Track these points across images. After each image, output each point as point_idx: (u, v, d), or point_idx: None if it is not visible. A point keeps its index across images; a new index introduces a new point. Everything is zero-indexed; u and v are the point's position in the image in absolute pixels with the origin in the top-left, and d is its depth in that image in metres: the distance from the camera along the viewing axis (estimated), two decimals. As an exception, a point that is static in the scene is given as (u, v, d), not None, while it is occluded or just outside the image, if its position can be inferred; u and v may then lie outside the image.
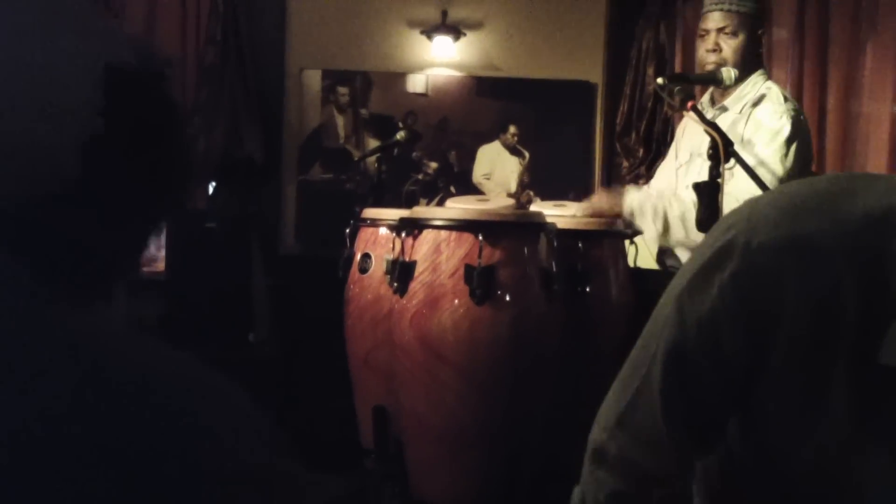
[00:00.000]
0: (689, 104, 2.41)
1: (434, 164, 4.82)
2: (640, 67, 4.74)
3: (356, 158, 4.68)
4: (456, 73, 4.81)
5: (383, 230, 2.60)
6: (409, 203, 4.35)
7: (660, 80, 2.56)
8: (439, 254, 2.32)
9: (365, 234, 2.68)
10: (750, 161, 2.39)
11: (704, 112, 2.70)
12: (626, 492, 1.05)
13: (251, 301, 3.82)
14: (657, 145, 4.67)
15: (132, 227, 0.72)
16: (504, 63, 4.83)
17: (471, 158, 4.83)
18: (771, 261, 0.91)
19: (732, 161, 2.29)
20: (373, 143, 4.63)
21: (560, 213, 2.72)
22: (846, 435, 0.92)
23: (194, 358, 0.63)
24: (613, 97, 4.83)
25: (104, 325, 0.63)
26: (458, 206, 2.66)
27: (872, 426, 0.91)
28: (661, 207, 2.66)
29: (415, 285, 2.32)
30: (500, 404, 2.30)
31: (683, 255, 2.81)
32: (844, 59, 4.34)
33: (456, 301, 2.27)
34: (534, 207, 3.07)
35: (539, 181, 4.73)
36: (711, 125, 2.31)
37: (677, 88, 2.47)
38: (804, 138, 2.66)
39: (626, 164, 4.75)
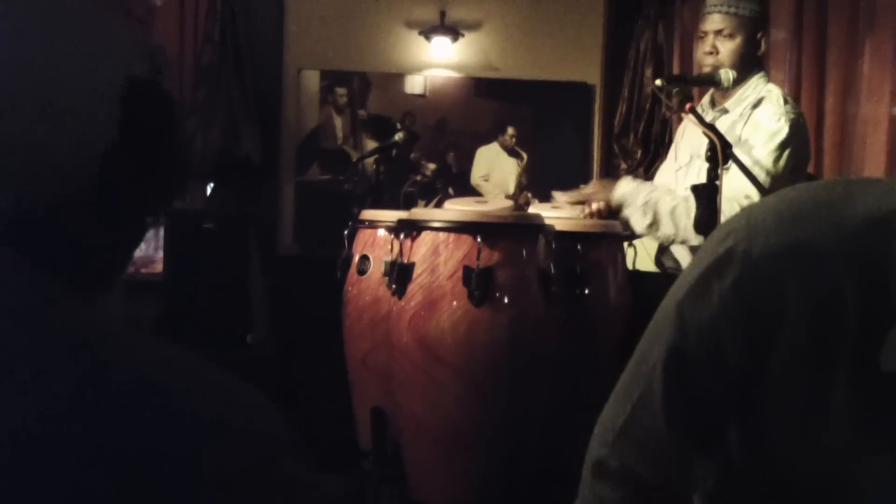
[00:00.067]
0: (688, 106, 2.41)
1: (432, 166, 4.82)
2: (638, 68, 4.75)
3: (354, 159, 4.68)
4: (454, 74, 4.81)
5: (382, 232, 2.60)
6: (408, 204, 4.35)
7: (658, 82, 2.56)
8: (438, 255, 2.32)
9: (363, 235, 2.68)
10: (745, 161, 2.39)
11: (704, 114, 2.70)
12: None
13: (249, 302, 3.82)
14: (655, 147, 4.68)
15: (130, 224, 0.72)
16: (502, 64, 4.83)
17: (469, 160, 4.84)
18: (772, 267, 0.91)
19: (730, 161, 2.29)
20: (371, 144, 4.63)
21: (556, 215, 2.72)
22: (847, 440, 0.92)
23: (196, 356, 0.63)
24: (611, 98, 4.84)
25: (105, 323, 0.63)
26: (457, 208, 2.66)
27: (874, 431, 0.91)
28: (653, 200, 2.66)
29: (413, 287, 2.32)
30: (499, 406, 2.30)
31: (682, 256, 2.81)
32: (842, 60, 4.34)
33: (454, 303, 2.27)
34: (532, 209, 3.07)
35: (537, 182, 4.73)
36: (710, 127, 2.31)
37: (675, 90, 2.46)
38: (801, 141, 2.66)
39: (624, 165, 4.76)
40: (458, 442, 2.31)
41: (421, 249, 2.35)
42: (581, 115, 4.86)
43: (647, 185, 2.78)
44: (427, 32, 4.72)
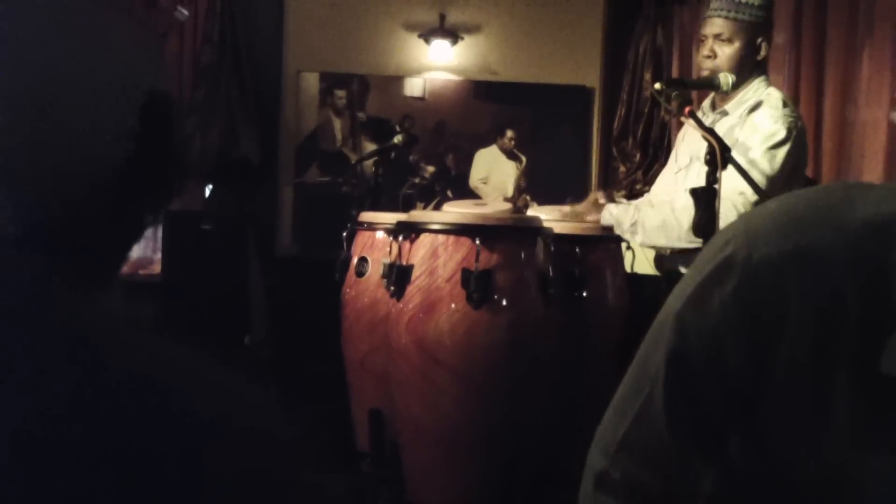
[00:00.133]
0: (687, 109, 2.41)
1: (431, 168, 4.82)
2: (637, 71, 4.75)
3: (353, 161, 4.68)
4: (453, 77, 4.81)
5: (380, 234, 2.61)
6: (406, 206, 4.35)
7: (657, 85, 2.56)
8: (436, 258, 2.32)
9: (362, 237, 2.68)
10: (742, 162, 2.40)
11: (705, 117, 2.71)
12: None
13: (247, 303, 3.82)
14: (654, 150, 4.69)
15: (129, 222, 0.73)
16: (501, 67, 4.84)
17: (468, 162, 4.84)
18: (773, 274, 0.91)
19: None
20: (370, 146, 4.63)
21: (555, 218, 2.72)
22: (849, 444, 0.92)
23: (196, 356, 0.63)
24: (610, 101, 4.85)
25: (106, 322, 0.63)
26: (456, 210, 2.66)
27: (875, 436, 0.91)
28: (640, 220, 2.66)
29: (412, 289, 2.32)
30: (497, 408, 2.30)
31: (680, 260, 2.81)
32: (841, 63, 4.35)
33: (453, 305, 2.27)
34: (530, 212, 3.07)
35: (536, 185, 4.73)
36: (708, 130, 2.31)
37: (675, 93, 2.46)
38: (799, 144, 2.66)
39: (622, 168, 4.76)
40: (456, 444, 2.31)
41: (420, 251, 2.35)
42: (580, 118, 4.87)
43: (630, 208, 2.78)
44: (426, 35, 4.72)
